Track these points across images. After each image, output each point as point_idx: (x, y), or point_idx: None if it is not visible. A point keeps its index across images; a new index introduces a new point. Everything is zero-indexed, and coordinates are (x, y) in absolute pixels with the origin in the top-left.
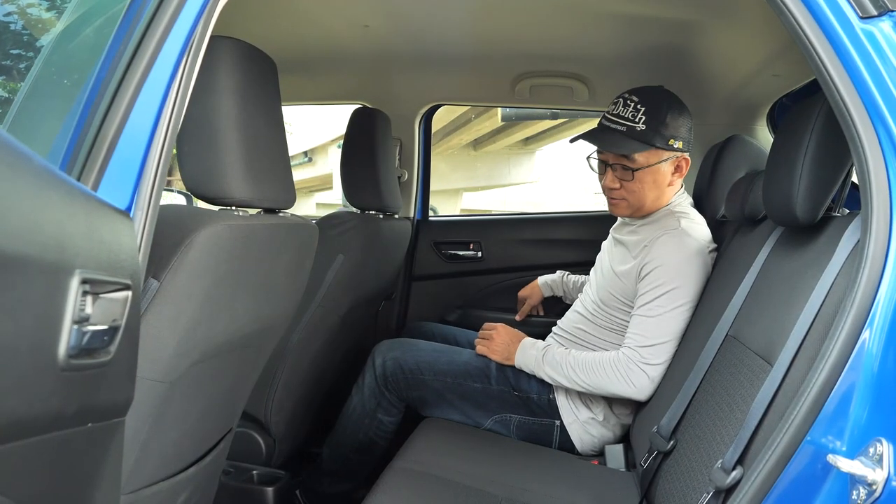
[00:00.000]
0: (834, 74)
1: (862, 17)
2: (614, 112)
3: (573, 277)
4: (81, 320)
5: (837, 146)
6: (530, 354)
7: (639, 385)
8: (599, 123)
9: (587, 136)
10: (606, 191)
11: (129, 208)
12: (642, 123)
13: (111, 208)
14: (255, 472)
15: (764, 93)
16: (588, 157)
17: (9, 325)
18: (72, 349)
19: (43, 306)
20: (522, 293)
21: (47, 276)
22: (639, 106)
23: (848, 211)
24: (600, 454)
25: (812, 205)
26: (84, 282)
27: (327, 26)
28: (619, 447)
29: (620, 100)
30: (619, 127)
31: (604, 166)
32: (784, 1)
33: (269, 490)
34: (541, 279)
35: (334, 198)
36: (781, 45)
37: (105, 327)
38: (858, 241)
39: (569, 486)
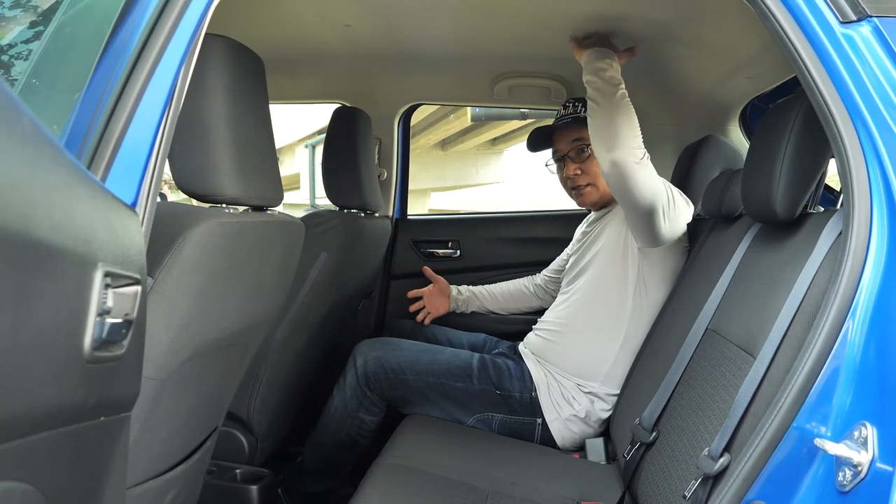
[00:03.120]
0: (816, 76)
1: (842, 22)
2: (559, 115)
3: (475, 289)
4: (103, 313)
5: (815, 146)
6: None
7: (646, 165)
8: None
9: (542, 128)
10: (571, 182)
11: (133, 204)
12: (583, 111)
13: (123, 204)
14: (238, 470)
15: (737, 94)
16: (546, 164)
17: (50, 316)
18: (95, 341)
19: (74, 298)
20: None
21: (78, 269)
22: (577, 103)
23: (823, 209)
24: (581, 448)
25: (791, 202)
26: (106, 275)
27: (308, 25)
28: (600, 440)
29: (565, 105)
30: (565, 119)
31: (562, 163)
32: (769, 7)
33: (254, 489)
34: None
35: (301, 197)
36: (756, 48)
37: (121, 321)
38: (839, 236)
39: (553, 480)
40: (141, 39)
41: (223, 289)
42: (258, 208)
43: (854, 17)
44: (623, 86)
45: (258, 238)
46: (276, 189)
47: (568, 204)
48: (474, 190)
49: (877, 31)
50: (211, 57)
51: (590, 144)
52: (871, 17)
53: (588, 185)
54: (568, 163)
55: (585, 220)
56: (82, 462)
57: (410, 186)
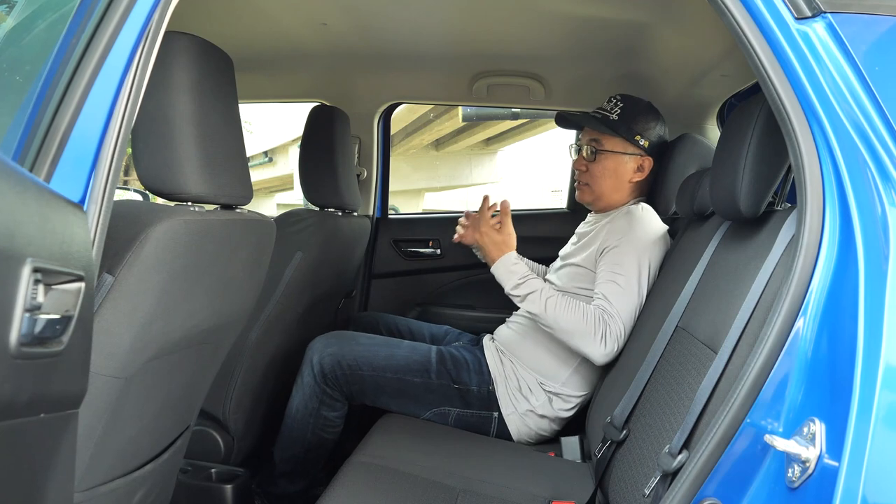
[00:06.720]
0: (772, 73)
1: (797, 18)
2: (599, 107)
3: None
4: (33, 308)
5: (778, 143)
6: (512, 268)
7: (609, 346)
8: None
9: (571, 116)
10: (576, 173)
11: (82, 201)
12: (616, 115)
13: (63, 200)
14: (213, 470)
15: (713, 93)
16: (570, 145)
17: None
18: (23, 337)
19: None
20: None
21: None
22: (619, 103)
23: (789, 205)
24: (547, 442)
25: (754, 199)
26: (36, 270)
27: (285, 23)
28: (575, 439)
29: (610, 99)
30: (596, 115)
31: (578, 151)
32: (725, 3)
33: (228, 488)
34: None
35: (295, 198)
36: (729, 46)
37: (57, 317)
38: (794, 234)
39: (526, 478)
40: (87, 36)
41: (188, 287)
42: (226, 207)
43: (809, 13)
44: (540, 286)
45: (225, 236)
46: (244, 187)
47: (557, 203)
48: (468, 190)
49: (831, 28)
50: (175, 54)
51: (605, 151)
52: (825, 13)
53: (586, 183)
54: (579, 155)
55: (585, 220)
56: (18, 459)
57: (404, 186)
